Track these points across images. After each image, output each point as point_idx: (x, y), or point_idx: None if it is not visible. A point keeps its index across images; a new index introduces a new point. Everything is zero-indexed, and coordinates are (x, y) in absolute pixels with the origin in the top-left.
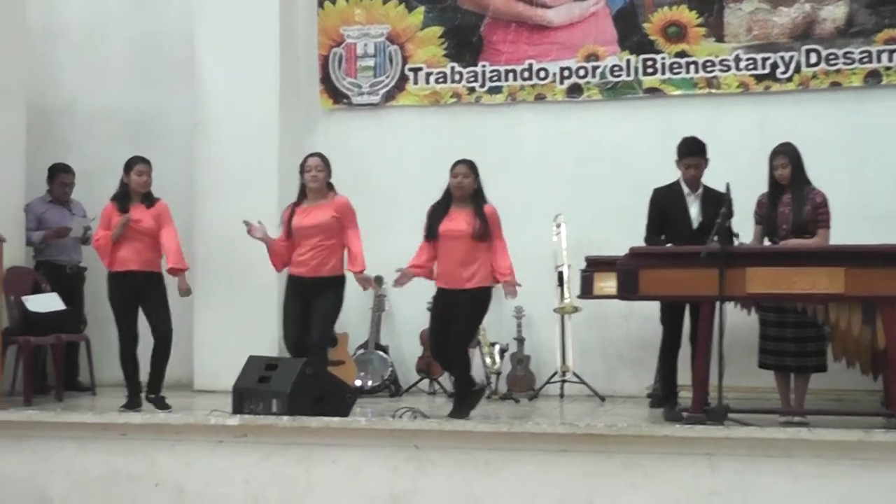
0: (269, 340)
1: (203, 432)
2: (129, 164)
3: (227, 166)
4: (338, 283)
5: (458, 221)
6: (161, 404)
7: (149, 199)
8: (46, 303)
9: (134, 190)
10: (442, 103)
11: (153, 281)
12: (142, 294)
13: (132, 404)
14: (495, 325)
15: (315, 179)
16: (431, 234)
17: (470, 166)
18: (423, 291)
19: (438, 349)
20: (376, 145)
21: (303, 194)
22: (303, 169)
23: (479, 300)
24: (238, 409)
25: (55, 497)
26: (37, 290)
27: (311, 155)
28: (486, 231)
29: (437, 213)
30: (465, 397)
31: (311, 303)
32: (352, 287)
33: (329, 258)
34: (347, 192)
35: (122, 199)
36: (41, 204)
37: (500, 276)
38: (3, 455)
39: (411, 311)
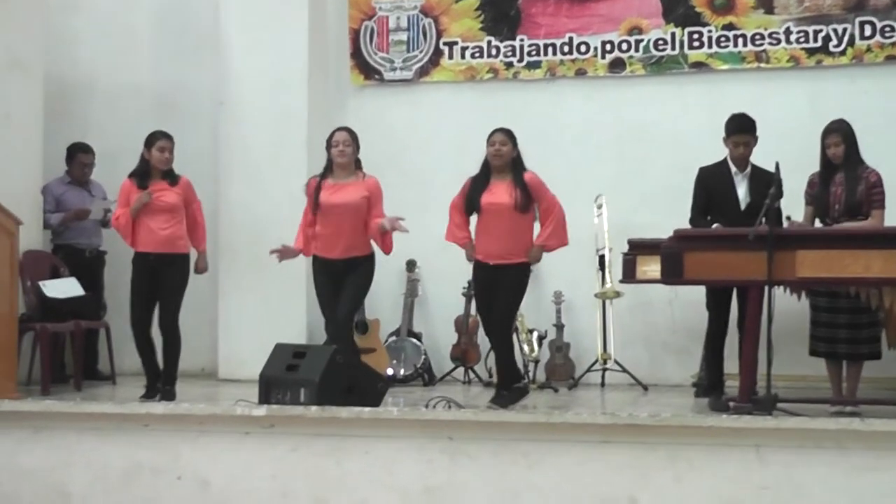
0: (297, 327)
1: (228, 423)
2: (151, 139)
3: (253, 145)
4: (367, 260)
5: (499, 194)
6: (168, 396)
7: (171, 177)
8: (65, 288)
9: (155, 167)
10: (478, 79)
11: (170, 264)
12: (157, 278)
13: (150, 393)
14: (533, 311)
15: (342, 155)
16: (470, 207)
17: (508, 134)
18: (457, 276)
19: (488, 328)
20: (409, 123)
21: (329, 169)
22: (329, 144)
23: (522, 277)
24: (265, 398)
25: (75, 491)
26: (55, 274)
27: (339, 129)
28: (529, 202)
29: (477, 185)
30: (510, 387)
31: (341, 282)
32: (384, 273)
33: (358, 239)
34: (379, 172)
35: (142, 175)
36: (59, 185)
37: (537, 238)
38: (20, 447)
39: (445, 296)
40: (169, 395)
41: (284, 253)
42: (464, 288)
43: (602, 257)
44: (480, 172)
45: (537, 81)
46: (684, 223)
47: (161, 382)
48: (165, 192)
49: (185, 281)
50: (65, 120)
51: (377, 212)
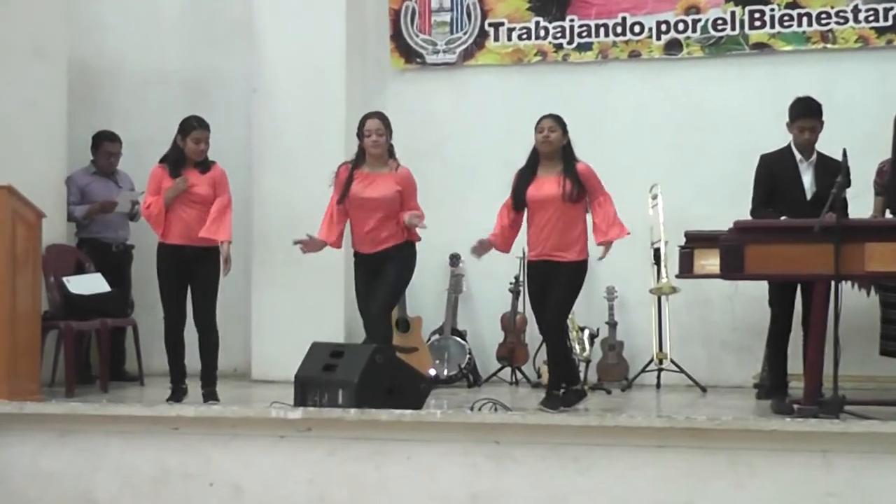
0: (334, 325)
1: (262, 426)
2: (187, 128)
3: (288, 134)
4: (404, 248)
5: (548, 185)
6: (210, 398)
7: (204, 164)
8: (90, 284)
9: (188, 156)
10: (525, 62)
11: (204, 258)
12: (190, 273)
13: (176, 395)
14: (585, 308)
15: (376, 145)
16: (518, 202)
17: (557, 120)
18: (504, 270)
19: (541, 326)
20: (452, 109)
21: (361, 158)
22: (361, 133)
23: (577, 275)
24: (301, 400)
25: (102, 498)
26: (79, 270)
27: (370, 116)
28: (580, 193)
29: (524, 177)
30: (563, 389)
31: (378, 274)
32: (426, 268)
33: (393, 231)
34: (420, 161)
35: (175, 163)
36: (84, 176)
37: (597, 236)
38: (44, 452)
39: (491, 292)
40: (213, 397)
41: (309, 245)
42: (511, 283)
43: (657, 251)
44: (527, 164)
45: (588, 64)
46: (744, 214)
47: (202, 384)
48: (199, 183)
49: (219, 274)
50: (90, 108)
51: (410, 206)
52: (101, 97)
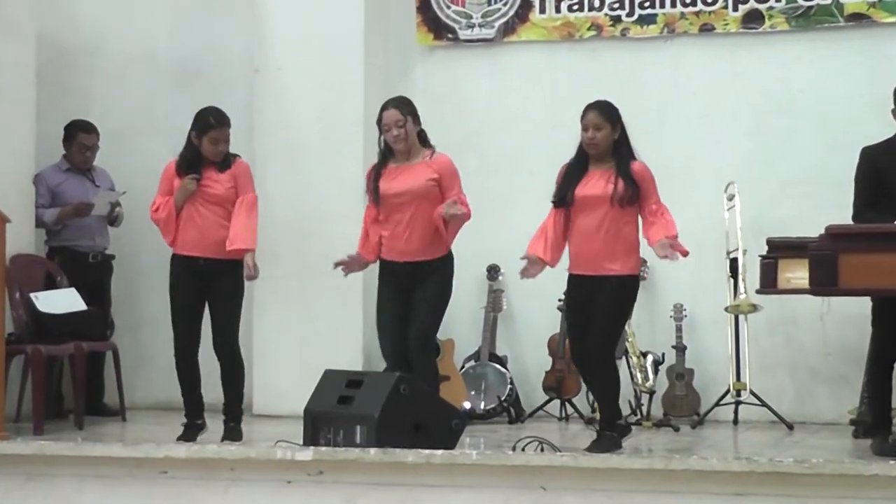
0: (351, 349)
1: (266, 469)
2: (203, 126)
3: (296, 123)
4: (443, 264)
5: (596, 184)
6: (233, 435)
7: (224, 161)
8: (63, 301)
9: (203, 156)
10: (577, 38)
11: (225, 272)
12: (208, 288)
13: (190, 432)
14: (648, 329)
15: (398, 140)
16: (562, 200)
17: (604, 112)
18: (552, 285)
19: (579, 355)
20: (490, 94)
21: (387, 151)
22: (380, 128)
23: (627, 292)
24: (311, 439)
25: None
26: (50, 284)
27: (385, 107)
28: (634, 195)
29: (572, 173)
30: (609, 427)
31: (410, 294)
32: (460, 282)
33: (429, 236)
34: (452, 156)
35: (191, 163)
36: (56, 173)
37: (651, 239)
38: (8, 499)
39: (537, 310)
40: (234, 434)
41: (351, 265)
42: (560, 300)
43: (734, 261)
44: (576, 157)
45: (652, 40)
46: (839, 217)
47: (225, 420)
48: (215, 182)
49: (242, 291)
50: (62, 94)
51: (453, 195)
52: (76, 81)
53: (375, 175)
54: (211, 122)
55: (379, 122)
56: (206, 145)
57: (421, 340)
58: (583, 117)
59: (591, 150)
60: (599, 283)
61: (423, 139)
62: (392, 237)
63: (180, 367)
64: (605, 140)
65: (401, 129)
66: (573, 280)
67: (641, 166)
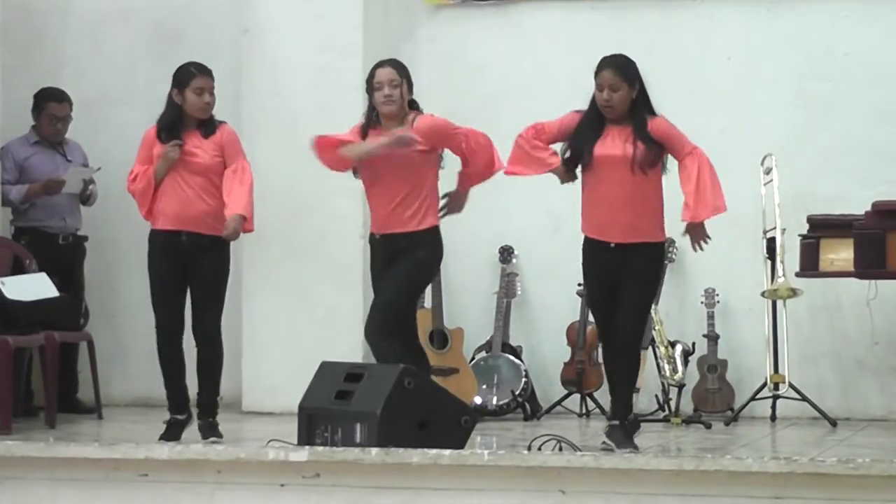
0: (350, 340)
1: (257, 472)
2: (184, 78)
3: (289, 89)
4: (427, 236)
5: (614, 143)
6: (209, 432)
7: (208, 126)
8: (32, 287)
9: (189, 114)
10: None
11: (209, 248)
12: (188, 267)
13: (174, 430)
14: (676, 316)
15: (390, 101)
16: (577, 157)
17: (621, 70)
18: (570, 268)
19: (606, 328)
20: (503, 59)
21: (374, 116)
22: (371, 86)
23: (657, 260)
24: (307, 438)
25: None
26: (18, 269)
27: (380, 65)
28: (654, 159)
29: (586, 129)
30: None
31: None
32: (468, 265)
33: (418, 208)
34: (464, 123)
35: (172, 125)
36: (24, 146)
37: (684, 213)
38: None
39: (554, 296)
40: (213, 431)
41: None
42: (579, 285)
43: (771, 241)
44: (591, 111)
45: None
46: (887, 193)
47: (201, 414)
48: (199, 150)
49: (227, 271)
50: (30, 59)
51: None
52: (45, 44)
53: (362, 137)
54: (192, 71)
55: (370, 79)
56: (191, 98)
57: (385, 311)
58: (597, 74)
59: (608, 114)
60: (630, 252)
61: (413, 106)
62: (378, 210)
63: (163, 354)
64: (623, 102)
65: (394, 90)
66: (596, 245)
67: (659, 121)
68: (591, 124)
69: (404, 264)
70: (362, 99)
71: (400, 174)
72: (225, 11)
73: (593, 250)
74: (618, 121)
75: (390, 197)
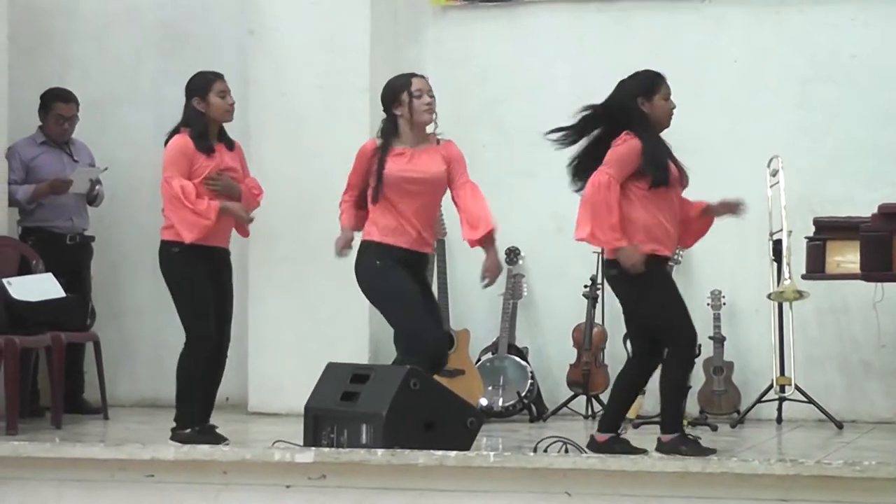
0: (355, 340)
1: (263, 472)
2: (204, 84)
3: (295, 91)
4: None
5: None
6: (210, 436)
7: (227, 139)
8: (38, 287)
9: (214, 119)
10: None
11: (227, 263)
12: (216, 281)
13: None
14: None
15: (432, 109)
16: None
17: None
18: (576, 269)
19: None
20: (511, 59)
21: (393, 130)
22: (410, 94)
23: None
24: (313, 439)
25: None
26: (25, 269)
27: (413, 75)
28: None
29: (662, 142)
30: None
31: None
32: (474, 267)
33: (431, 225)
34: (469, 129)
35: (202, 136)
36: (31, 146)
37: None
38: None
39: (560, 297)
40: (211, 436)
41: (345, 243)
42: (586, 287)
43: (778, 244)
44: (651, 125)
45: (689, 0)
46: (895, 195)
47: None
48: (233, 165)
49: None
50: (38, 59)
51: (469, 186)
52: (52, 45)
53: (381, 154)
54: (210, 76)
55: (407, 86)
56: (216, 102)
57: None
58: (663, 85)
59: (668, 125)
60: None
61: None
62: (399, 227)
63: (212, 366)
64: None
65: (433, 99)
66: (664, 261)
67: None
68: (658, 141)
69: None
70: (369, 100)
71: (439, 194)
72: (231, 13)
73: (661, 265)
74: None
75: (428, 216)
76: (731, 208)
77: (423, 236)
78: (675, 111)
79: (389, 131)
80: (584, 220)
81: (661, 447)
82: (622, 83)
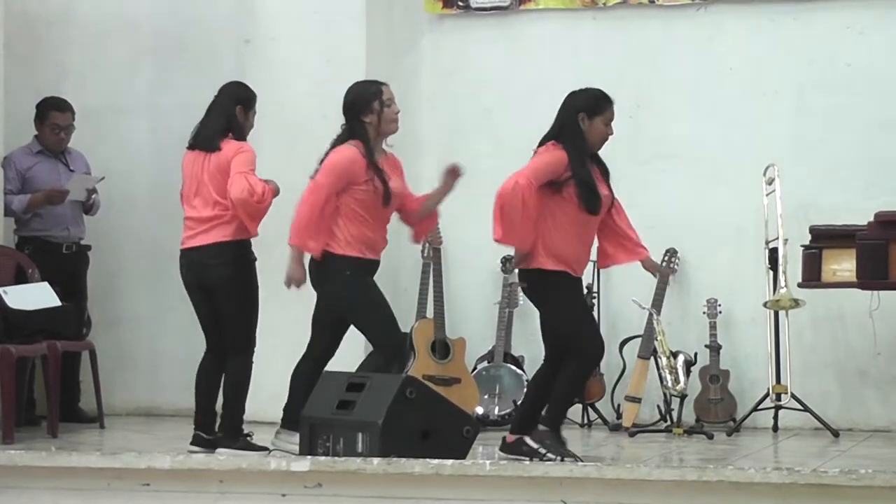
0: (351, 349)
1: (259, 481)
2: (251, 99)
3: (291, 99)
4: None
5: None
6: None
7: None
8: (34, 296)
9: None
10: (601, 5)
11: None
12: None
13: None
14: (678, 326)
15: (397, 119)
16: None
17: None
18: None
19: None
20: (505, 68)
21: (365, 137)
22: (381, 102)
23: None
24: (308, 447)
25: None
26: (21, 278)
27: (384, 83)
28: None
29: (586, 164)
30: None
31: None
32: (470, 276)
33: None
34: (464, 137)
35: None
36: (27, 156)
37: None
38: None
39: None
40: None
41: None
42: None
43: (774, 252)
44: (584, 145)
45: (684, 8)
46: (890, 203)
47: (208, 427)
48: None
49: None
50: (33, 67)
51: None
52: (48, 54)
53: (376, 166)
54: (253, 95)
55: (377, 96)
56: (251, 120)
57: None
58: (607, 108)
59: (597, 149)
60: None
61: None
62: (377, 238)
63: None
64: None
65: (398, 109)
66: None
67: None
68: (585, 160)
69: None
70: None
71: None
72: (227, 21)
73: (572, 280)
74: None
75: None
76: (658, 270)
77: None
78: (609, 138)
79: (364, 139)
80: (498, 222)
81: (504, 446)
82: (571, 95)
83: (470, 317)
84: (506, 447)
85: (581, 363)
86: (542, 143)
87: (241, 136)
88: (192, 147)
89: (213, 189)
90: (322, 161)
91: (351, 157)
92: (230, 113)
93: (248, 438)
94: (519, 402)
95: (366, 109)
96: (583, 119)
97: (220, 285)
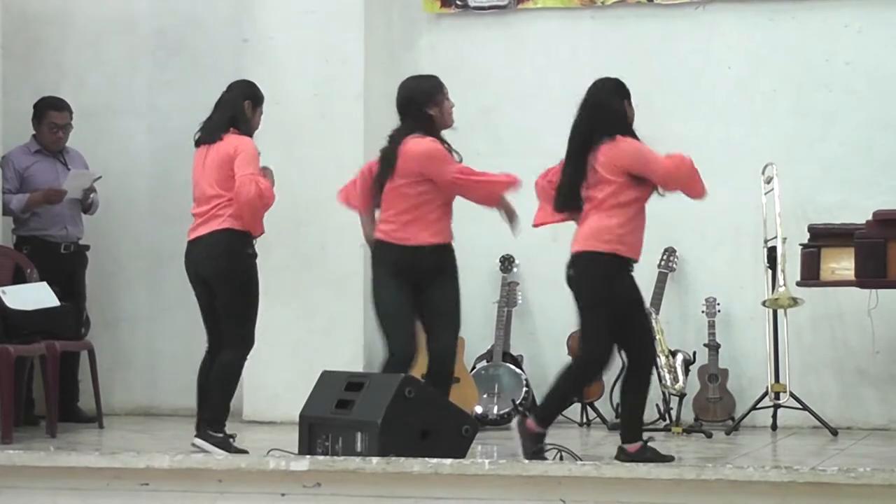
0: (350, 348)
1: (258, 481)
2: (259, 97)
3: (289, 99)
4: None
5: None
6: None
7: None
8: (33, 296)
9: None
10: (599, 4)
11: None
12: None
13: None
14: (677, 325)
15: (452, 114)
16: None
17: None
18: None
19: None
20: (504, 66)
21: (435, 132)
22: (443, 96)
23: None
24: (308, 447)
25: None
26: (19, 278)
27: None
28: None
29: None
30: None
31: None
32: (469, 274)
33: None
34: (462, 135)
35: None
36: (25, 155)
37: None
38: None
39: (555, 305)
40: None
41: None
42: None
43: (773, 251)
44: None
45: (682, 6)
46: (888, 202)
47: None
48: None
49: None
50: (31, 67)
51: None
52: (46, 53)
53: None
54: (261, 94)
55: (439, 88)
56: (257, 119)
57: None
58: (629, 94)
59: None
60: None
61: None
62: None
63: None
64: None
65: None
66: (630, 265)
67: None
68: None
69: None
70: (363, 107)
71: None
72: (225, 21)
73: (628, 271)
74: None
75: None
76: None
77: None
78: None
79: (432, 131)
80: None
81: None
82: (603, 83)
83: (469, 316)
84: (624, 454)
85: (587, 367)
86: (584, 137)
87: (247, 131)
88: (197, 143)
89: (211, 180)
90: (391, 152)
91: (439, 146)
92: (238, 106)
93: (231, 440)
94: (518, 402)
95: (430, 101)
96: (627, 105)
97: (216, 275)
